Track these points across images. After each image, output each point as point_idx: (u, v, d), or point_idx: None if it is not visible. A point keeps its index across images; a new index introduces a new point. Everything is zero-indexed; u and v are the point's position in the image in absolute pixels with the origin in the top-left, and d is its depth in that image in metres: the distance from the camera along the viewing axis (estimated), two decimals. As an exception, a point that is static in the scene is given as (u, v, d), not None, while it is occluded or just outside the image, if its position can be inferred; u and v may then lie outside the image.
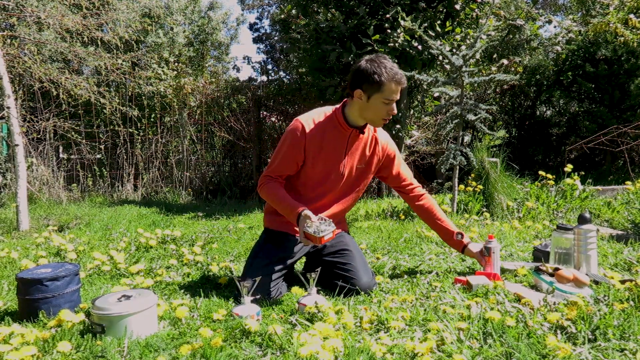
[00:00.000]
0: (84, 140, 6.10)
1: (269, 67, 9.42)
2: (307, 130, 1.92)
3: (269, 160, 2.08)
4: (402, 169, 2.16)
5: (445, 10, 5.00)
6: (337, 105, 2.00)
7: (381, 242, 2.95)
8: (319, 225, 1.76)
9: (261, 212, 4.59)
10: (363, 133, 1.99)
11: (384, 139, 2.11)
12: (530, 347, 1.33)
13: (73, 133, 5.71)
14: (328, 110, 2.00)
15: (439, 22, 4.91)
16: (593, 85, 6.99)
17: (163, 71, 6.58)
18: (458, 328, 1.46)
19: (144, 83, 6.18)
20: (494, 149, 4.41)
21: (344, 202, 2.10)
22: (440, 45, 3.91)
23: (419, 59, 4.90)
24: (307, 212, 1.81)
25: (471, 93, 7.79)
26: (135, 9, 5.96)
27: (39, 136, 5.86)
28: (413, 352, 1.32)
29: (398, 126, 5.38)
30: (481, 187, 3.95)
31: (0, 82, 3.66)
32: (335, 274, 1.98)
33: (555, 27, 7.69)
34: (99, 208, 4.99)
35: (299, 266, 2.35)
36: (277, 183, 1.97)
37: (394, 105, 1.88)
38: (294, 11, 5.91)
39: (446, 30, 4.95)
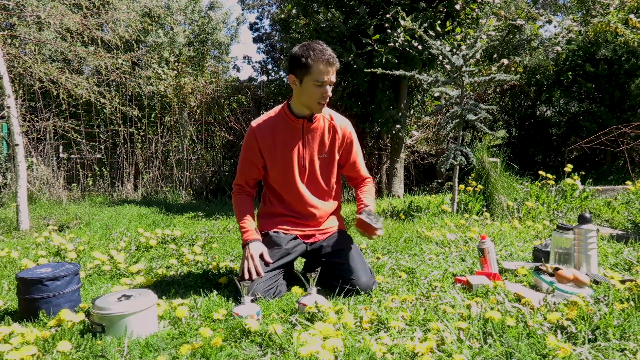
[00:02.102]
0: (84, 140, 6.10)
1: (269, 66, 9.42)
2: (257, 131, 1.98)
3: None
4: (359, 158, 2.13)
5: (445, 10, 5.00)
6: (285, 102, 2.02)
7: (381, 242, 2.95)
8: (379, 219, 1.91)
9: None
10: (312, 122, 1.98)
11: (342, 123, 2.07)
12: (530, 347, 1.33)
13: (73, 133, 5.70)
14: (279, 107, 2.03)
15: (439, 22, 4.91)
16: (593, 85, 6.99)
17: (163, 71, 6.58)
18: (458, 328, 1.46)
19: (144, 83, 6.17)
20: (494, 149, 4.41)
21: (322, 197, 2.09)
22: (441, 45, 3.91)
23: (419, 59, 4.90)
24: (257, 244, 1.95)
25: (471, 93, 7.79)
26: (136, 8, 5.96)
27: (39, 136, 5.86)
28: (413, 352, 1.32)
29: (398, 126, 5.37)
30: (481, 187, 3.95)
31: (0, 82, 3.66)
32: (334, 275, 1.97)
33: (555, 27, 7.70)
34: (99, 208, 4.99)
35: (299, 266, 2.35)
36: (244, 196, 2.07)
37: (328, 87, 1.87)
38: (294, 11, 5.91)
39: (446, 30, 4.95)
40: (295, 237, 2.06)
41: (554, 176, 4.14)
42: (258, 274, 1.86)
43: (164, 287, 2.09)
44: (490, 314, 1.51)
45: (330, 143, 2.05)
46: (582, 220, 2.08)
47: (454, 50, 4.83)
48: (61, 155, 6.51)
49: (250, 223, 2.01)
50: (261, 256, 1.93)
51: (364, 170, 2.17)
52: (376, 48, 4.69)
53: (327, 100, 1.91)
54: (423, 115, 6.92)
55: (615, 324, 1.43)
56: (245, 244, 1.97)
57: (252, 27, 10.53)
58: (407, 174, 6.95)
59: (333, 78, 1.89)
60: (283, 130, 1.99)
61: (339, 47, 4.92)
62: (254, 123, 2.02)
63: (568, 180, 4.02)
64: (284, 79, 8.19)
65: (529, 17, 7.54)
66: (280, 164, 2.00)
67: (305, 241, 2.08)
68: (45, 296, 1.68)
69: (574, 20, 8.00)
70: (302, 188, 2.04)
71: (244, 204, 2.06)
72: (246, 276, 1.85)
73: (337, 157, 2.08)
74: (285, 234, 2.05)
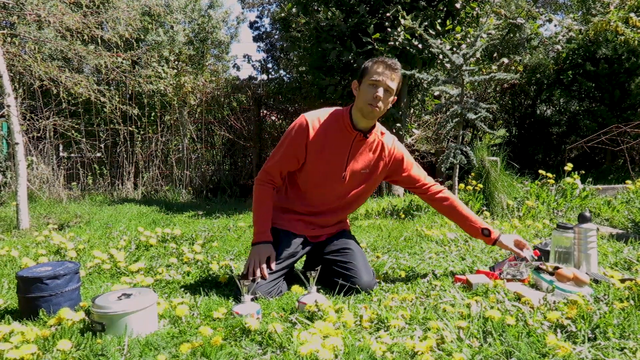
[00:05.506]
0: (84, 139, 6.10)
1: (269, 65, 9.40)
2: (311, 128, 1.90)
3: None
4: (414, 171, 2.08)
5: (445, 8, 5.00)
6: (347, 107, 1.96)
7: (381, 241, 2.95)
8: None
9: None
10: (367, 137, 1.94)
11: (391, 142, 2.03)
12: (530, 345, 1.33)
13: (73, 131, 5.70)
14: (336, 110, 1.96)
15: (439, 20, 4.90)
16: (593, 84, 6.99)
17: (163, 70, 6.57)
18: (458, 327, 1.46)
19: (144, 81, 6.17)
20: (494, 148, 4.41)
21: (345, 205, 2.08)
22: (441, 44, 3.91)
23: (419, 58, 4.90)
24: (267, 247, 1.92)
25: (471, 92, 7.78)
26: (136, 7, 5.94)
27: (39, 135, 5.85)
28: (413, 351, 1.32)
29: (398, 124, 5.37)
30: (481, 185, 3.95)
31: (0, 81, 3.65)
32: (335, 273, 1.97)
33: (555, 26, 7.68)
34: (99, 206, 4.99)
35: (299, 264, 2.35)
36: (270, 188, 2.00)
37: (381, 89, 1.82)
38: (294, 10, 5.90)
39: (446, 29, 4.95)
40: (305, 238, 2.05)
41: (554, 175, 4.14)
42: (263, 277, 1.85)
43: (164, 285, 2.09)
44: (490, 313, 1.51)
45: (376, 160, 2.00)
46: (582, 219, 2.08)
47: (454, 49, 4.83)
48: (61, 154, 6.51)
49: (266, 222, 1.97)
50: (268, 259, 1.91)
51: (425, 179, 2.11)
52: (376, 47, 4.68)
53: (378, 103, 1.83)
54: (423, 114, 6.92)
55: (615, 323, 1.43)
56: (255, 243, 1.94)
57: (252, 25, 10.51)
58: (407, 173, 6.94)
59: (390, 83, 1.83)
60: (335, 135, 1.92)
61: (339, 46, 4.91)
62: (308, 117, 1.92)
63: (568, 179, 4.02)
64: (284, 78, 8.19)
65: (529, 16, 7.53)
66: (322, 168, 1.94)
67: (312, 241, 2.08)
68: (45, 295, 1.68)
69: (574, 19, 8.00)
70: (334, 195, 2.02)
71: (267, 198, 1.99)
72: (250, 277, 1.85)
73: (379, 174, 2.03)
74: (295, 234, 2.03)
